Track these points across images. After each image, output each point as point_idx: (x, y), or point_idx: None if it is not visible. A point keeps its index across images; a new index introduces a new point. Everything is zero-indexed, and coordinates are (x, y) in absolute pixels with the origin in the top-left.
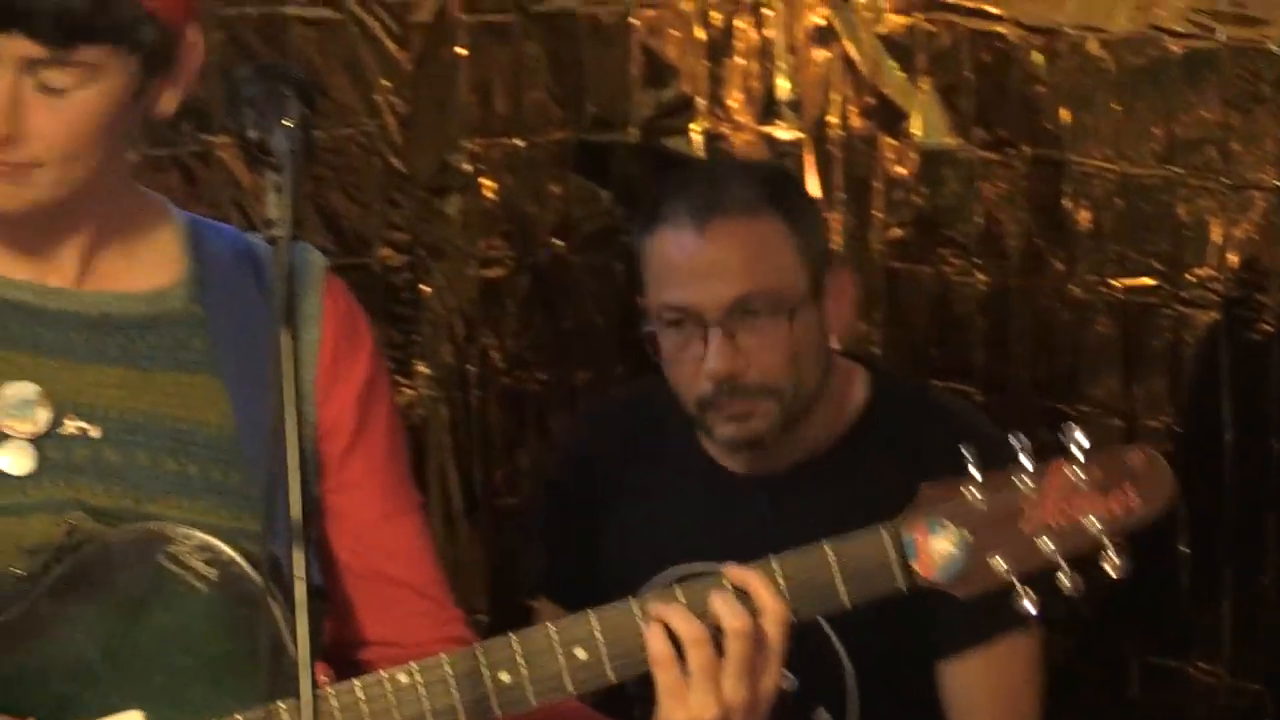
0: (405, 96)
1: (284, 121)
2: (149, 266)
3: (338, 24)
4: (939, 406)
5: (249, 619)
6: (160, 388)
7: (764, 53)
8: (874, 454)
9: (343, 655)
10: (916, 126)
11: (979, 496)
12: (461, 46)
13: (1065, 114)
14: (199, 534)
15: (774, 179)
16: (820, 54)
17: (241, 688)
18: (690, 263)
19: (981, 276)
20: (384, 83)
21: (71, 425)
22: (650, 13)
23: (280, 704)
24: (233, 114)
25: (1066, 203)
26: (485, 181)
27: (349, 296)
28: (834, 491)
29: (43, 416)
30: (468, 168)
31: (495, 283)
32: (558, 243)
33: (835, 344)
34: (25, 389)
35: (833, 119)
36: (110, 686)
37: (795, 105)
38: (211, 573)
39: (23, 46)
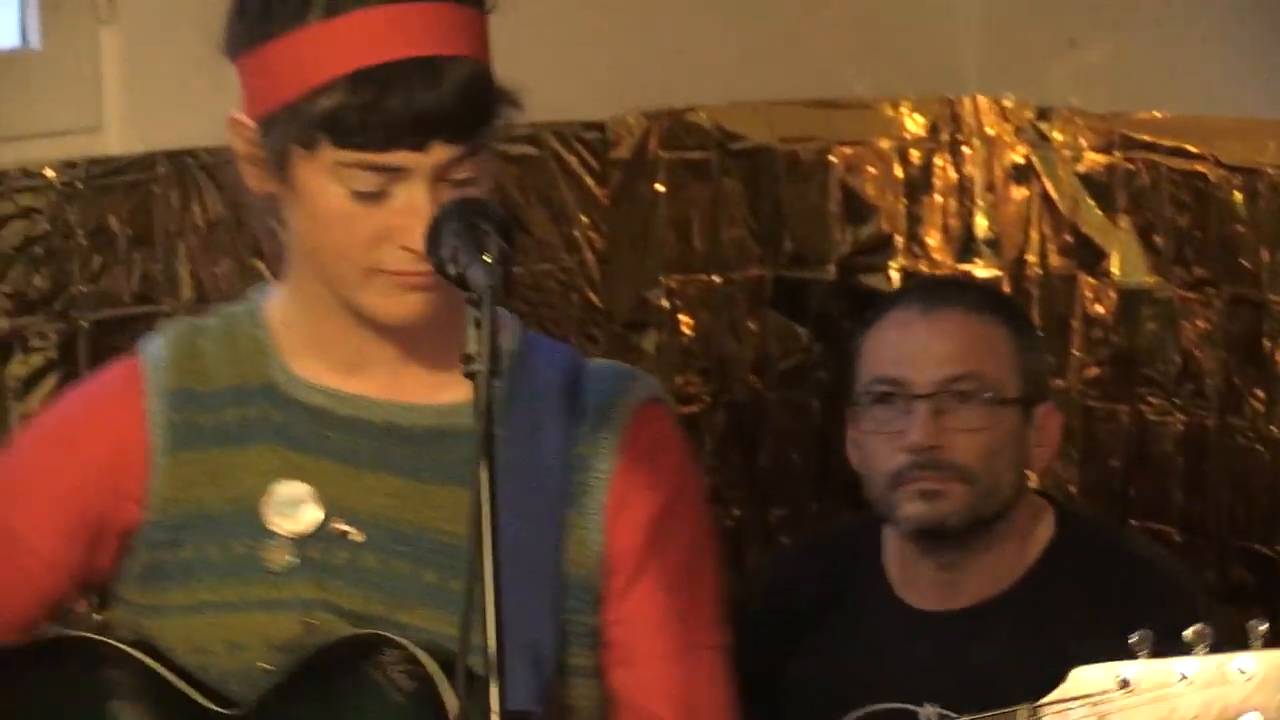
0: (603, 232)
1: (483, 257)
2: (454, 379)
3: (538, 160)
4: (1125, 551)
5: None
6: (435, 501)
7: (963, 190)
8: (1056, 595)
9: None
10: (1115, 265)
11: (1128, 687)
12: (660, 183)
13: (1265, 253)
14: (410, 646)
15: (1002, 296)
16: (1019, 192)
17: None
18: (910, 338)
19: (1180, 416)
20: (583, 219)
21: (337, 528)
22: (849, 150)
23: None
24: (433, 248)
25: (1265, 342)
26: (682, 318)
27: (665, 425)
28: (1014, 631)
29: (310, 517)
30: (665, 304)
31: (692, 419)
32: (754, 379)
33: (1032, 481)
34: (298, 489)
35: (1031, 258)
36: None
37: (994, 243)
38: (410, 685)
39: (442, 153)
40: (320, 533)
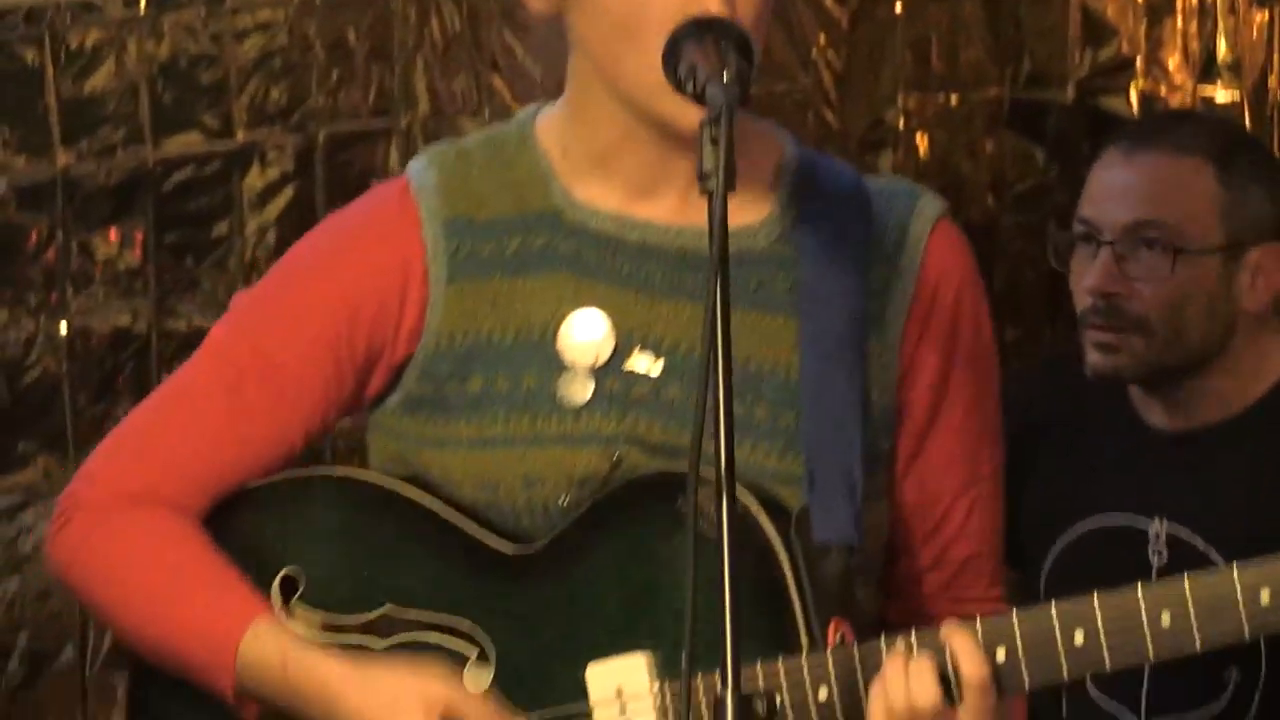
0: (841, 53)
1: (722, 75)
2: (739, 202)
3: None
4: None
5: (756, 569)
6: (735, 327)
7: (1204, 12)
8: None
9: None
10: None
11: None
12: (900, 4)
13: None
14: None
15: (1226, 134)
16: (1260, 15)
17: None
18: (1107, 180)
19: None
20: (821, 39)
21: (635, 359)
22: None
23: (800, 651)
24: (670, 65)
25: None
26: (919, 138)
27: (957, 242)
28: (1253, 453)
29: (607, 348)
30: (901, 124)
31: None
32: (990, 201)
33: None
34: (594, 318)
35: (1273, 81)
36: (617, 625)
37: (1234, 67)
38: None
39: None
40: (617, 364)
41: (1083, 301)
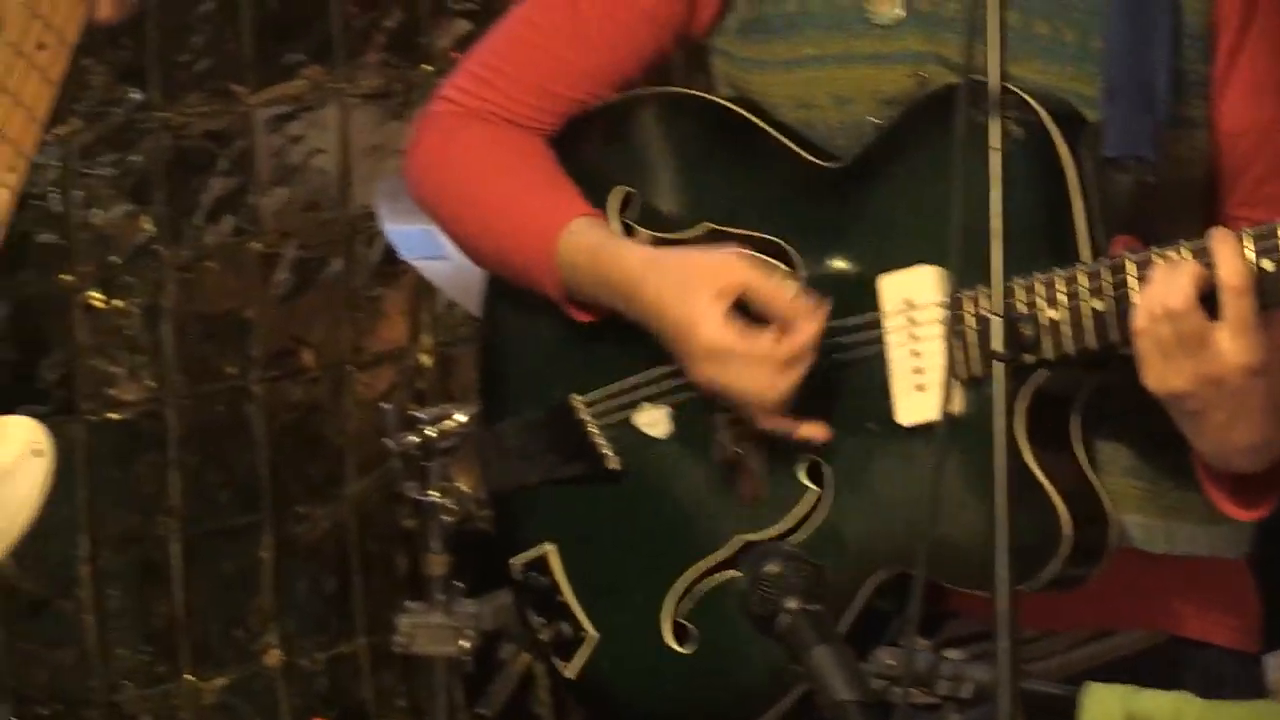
0: None
1: None
2: None
3: None
4: None
5: (1043, 181)
6: None
7: None
8: None
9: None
10: None
11: None
12: None
13: None
14: (1016, 90)
15: None
16: None
17: (1030, 252)
18: None
19: None
20: None
21: None
22: None
23: (1081, 266)
24: None
25: None
26: None
27: None
28: None
29: None
30: None
31: None
32: None
33: None
34: None
35: None
36: (914, 237)
37: None
38: (1018, 132)
39: None
40: None
41: None
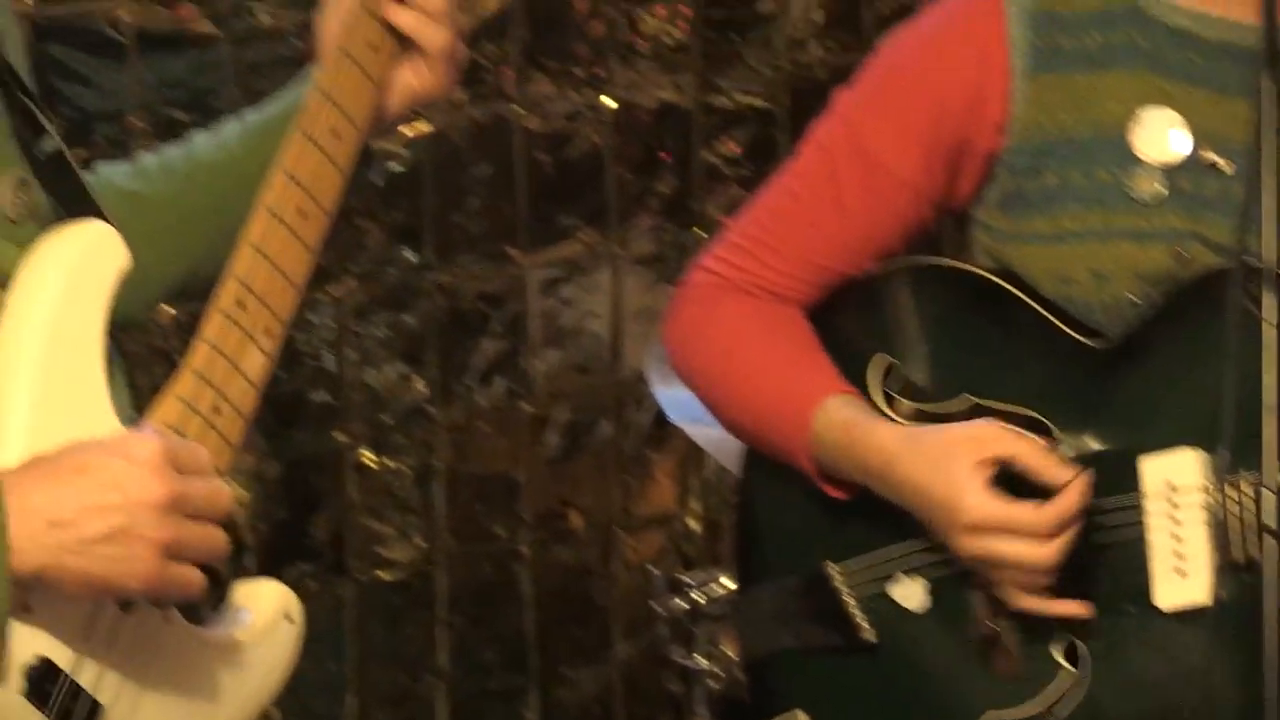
0: None
1: None
2: None
3: None
4: None
5: None
6: None
7: None
8: None
9: None
10: None
11: None
12: None
13: None
14: None
15: None
16: None
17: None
18: None
19: None
20: None
21: (1207, 157)
22: None
23: None
24: None
25: None
26: None
27: None
28: None
29: (1179, 146)
30: None
31: None
32: None
33: None
34: (1167, 116)
35: None
36: (1179, 420)
37: None
38: None
39: None
40: (1189, 162)
41: None
